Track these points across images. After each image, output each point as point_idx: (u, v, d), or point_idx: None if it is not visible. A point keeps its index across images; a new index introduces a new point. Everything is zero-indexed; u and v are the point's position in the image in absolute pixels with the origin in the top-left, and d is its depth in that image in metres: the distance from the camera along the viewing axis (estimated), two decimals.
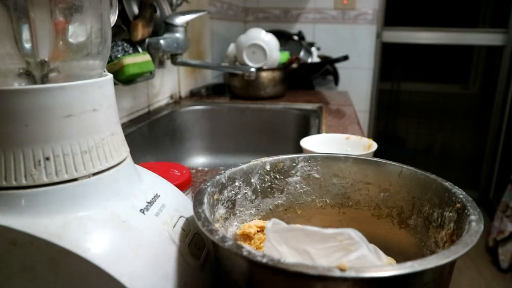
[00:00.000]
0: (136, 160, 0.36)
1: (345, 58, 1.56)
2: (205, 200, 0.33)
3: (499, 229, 1.94)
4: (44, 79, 0.29)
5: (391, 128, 2.81)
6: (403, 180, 0.39)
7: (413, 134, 2.79)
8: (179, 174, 0.46)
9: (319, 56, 1.85)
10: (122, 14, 0.84)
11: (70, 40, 0.30)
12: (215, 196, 0.36)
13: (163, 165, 0.48)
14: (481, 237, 0.29)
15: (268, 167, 0.41)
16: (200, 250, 0.34)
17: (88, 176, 0.28)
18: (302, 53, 1.66)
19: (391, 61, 2.50)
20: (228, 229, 0.38)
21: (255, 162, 0.41)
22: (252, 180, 0.41)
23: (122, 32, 0.86)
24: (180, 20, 0.95)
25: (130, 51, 0.86)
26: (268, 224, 0.30)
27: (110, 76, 0.32)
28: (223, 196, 0.38)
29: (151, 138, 0.99)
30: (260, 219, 0.41)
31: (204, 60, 1.44)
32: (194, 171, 0.68)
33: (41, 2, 0.28)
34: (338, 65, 1.88)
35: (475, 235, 0.27)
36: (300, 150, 0.61)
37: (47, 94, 0.26)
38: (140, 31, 0.84)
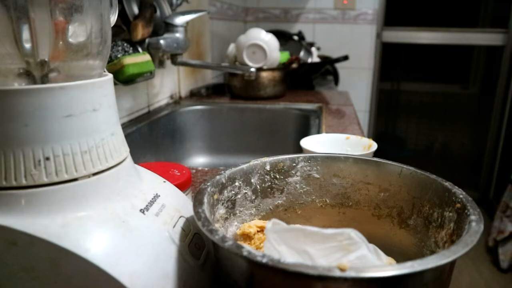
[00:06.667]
0: (136, 160, 0.36)
1: (345, 58, 1.56)
2: (205, 200, 0.33)
3: (499, 229, 1.94)
4: (44, 79, 0.29)
5: (391, 128, 2.81)
6: (403, 180, 0.39)
7: (413, 134, 2.79)
8: (179, 174, 0.46)
9: (319, 56, 1.85)
10: (122, 14, 0.84)
11: (70, 40, 0.30)
12: (215, 196, 0.36)
13: (163, 165, 0.48)
14: (481, 237, 0.29)
15: (268, 167, 0.41)
16: (200, 250, 0.34)
17: (88, 176, 0.28)
18: (302, 53, 1.66)
19: (391, 61, 2.50)
20: (228, 229, 0.38)
21: (255, 162, 0.41)
22: (252, 180, 0.40)
23: (122, 32, 0.86)
24: (180, 20, 0.95)
25: (130, 51, 0.86)
26: (268, 224, 0.30)
27: (110, 76, 0.32)
28: (223, 196, 0.38)
29: (151, 138, 0.99)
30: (260, 219, 0.41)
31: (204, 60, 1.44)
32: (194, 171, 0.68)
33: (41, 2, 0.28)
34: (338, 65, 1.88)
35: (475, 235, 0.27)
36: (300, 150, 0.61)
37: (47, 94, 0.26)
38: (140, 31, 0.84)
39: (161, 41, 0.92)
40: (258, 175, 0.41)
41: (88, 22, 0.30)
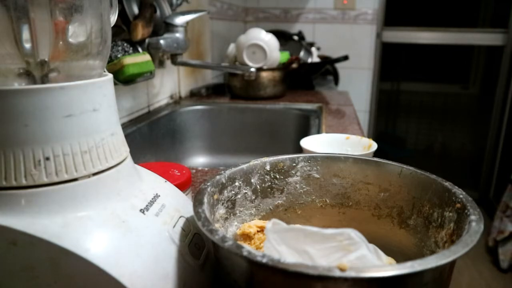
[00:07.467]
0: (136, 160, 0.36)
1: (345, 58, 1.56)
2: (205, 200, 0.33)
3: (499, 229, 1.94)
4: (44, 79, 0.29)
5: (391, 128, 2.81)
6: (403, 180, 0.39)
7: (413, 134, 2.79)
8: (179, 174, 0.46)
9: (319, 56, 1.85)
10: (122, 14, 0.84)
11: (70, 40, 0.30)
12: (215, 196, 0.36)
13: (163, 165, 0.48)
14: (481, 237, 0.29)
15: (268, 167, 0.41)
16: (200, 250, 0.34)
17: (88, 176, 0.28)
18: (302, 53, 1.66)
19: (391, 61, 2.50)
20: (228, 229, 0.38)
21: (255, 162, 0.41)
22: (252, 180, 0.40)
23: (122, 32, 0.86)
24: (180, 20, 0.95)
25: (130, 51, 0.86)
26: (268, 224, 0.30)
27: (110, 76, 0.32)
28: (223, 196, 0.38)
29: (151, 138, 0.99)
30: (260, 219, 0.41)
31: (204, 60, 1.44)
32: (194, 171, 0.68)
33: (41, 2, 0.28)
34: (338, 65, 1.88)
35: (475, 235, 0.27)
36: (300, 150, 0.61)
37: (47, 94, 0.26)
38: (140, 31, 0.84)
39: (161, 41, 0.92)
40: (258, 175, 0.41)
41: (88, 22, 0.30)
